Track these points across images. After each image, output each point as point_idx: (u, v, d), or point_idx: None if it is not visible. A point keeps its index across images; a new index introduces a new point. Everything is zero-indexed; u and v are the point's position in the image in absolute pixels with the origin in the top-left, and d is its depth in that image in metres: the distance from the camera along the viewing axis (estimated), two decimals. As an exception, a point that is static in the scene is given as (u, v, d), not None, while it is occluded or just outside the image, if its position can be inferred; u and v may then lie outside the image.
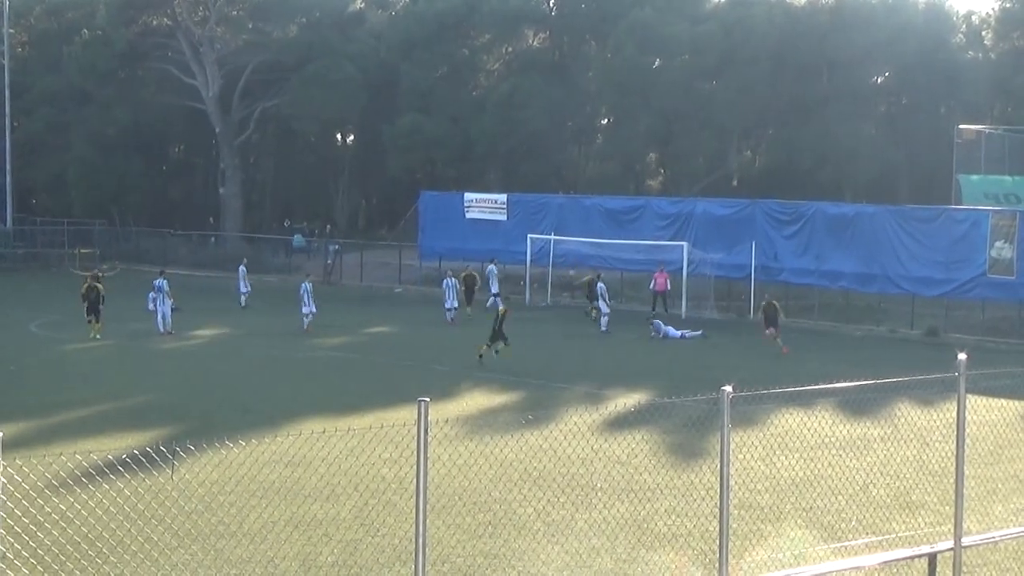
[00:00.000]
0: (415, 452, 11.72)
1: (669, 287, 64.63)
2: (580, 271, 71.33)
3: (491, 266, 69.31)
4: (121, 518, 21.55)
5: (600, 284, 60.05)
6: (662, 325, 55.93)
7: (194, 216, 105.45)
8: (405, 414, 15.08)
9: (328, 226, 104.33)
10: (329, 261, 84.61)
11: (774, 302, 52.32)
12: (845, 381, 16.96)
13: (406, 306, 66.38)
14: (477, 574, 20.69)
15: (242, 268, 67.62)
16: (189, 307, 61.77)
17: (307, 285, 56.58)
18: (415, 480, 11.68)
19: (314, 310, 55.64)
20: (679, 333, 55.84)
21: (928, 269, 61.23)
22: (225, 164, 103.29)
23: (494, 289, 67.86)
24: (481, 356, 46.17)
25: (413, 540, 11.73)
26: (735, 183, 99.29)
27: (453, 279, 61.18)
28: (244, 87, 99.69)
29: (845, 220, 64.86)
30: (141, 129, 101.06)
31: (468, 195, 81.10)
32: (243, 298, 66.39)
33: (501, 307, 48.70)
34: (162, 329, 54.89)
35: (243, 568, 20.60)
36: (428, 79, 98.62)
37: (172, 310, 56.49)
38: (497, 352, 46.29)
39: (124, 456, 16.91)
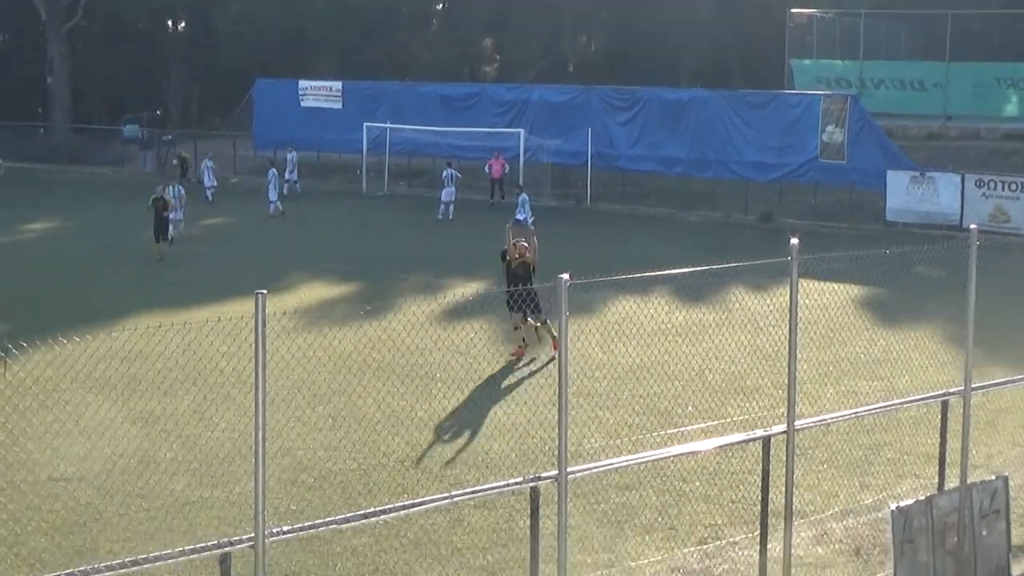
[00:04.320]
0: (253, 345, 11.62)
1: (507, 171, 64.65)
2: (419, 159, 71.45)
3: (291, 154, 68.59)
4: (-47, 418, 21.23)
5: (450, 171, 59.86)
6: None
7: (21, 106, 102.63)
8: (242, 307, 14.99)
9: (157, 112, 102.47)
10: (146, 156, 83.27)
11: (527, 255, 30.21)
12: (680, 267, 17.10)
13: (242, 197, 65.70)
14: (318, 466, 20.71)
15: (208, 162, 66.68)
16: (21, 200, 60.72)
17: (178, 189, 50.66)
18: (253, 373, 11.60)
19: (181, 217, 49.80)
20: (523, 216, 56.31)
21: (761, 154, 61.88)
22: (52, 52, 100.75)
23: (293, 176, 67.53)
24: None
25: (252, 434, 11.65)
26: (571, 69, 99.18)
27: (275, 170, 60.81)
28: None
29: (680, 106, 65.20)
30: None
31: (303, 83, 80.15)
32: (209, 192, 65.19)
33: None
34: None
35: (81, 465, 20.41)
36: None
37: None
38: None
39: (-47, 355, 16.61)
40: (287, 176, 67.10)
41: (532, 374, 27.53)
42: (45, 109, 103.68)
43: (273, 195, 59.13)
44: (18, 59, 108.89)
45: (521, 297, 27.73)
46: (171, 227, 48.28)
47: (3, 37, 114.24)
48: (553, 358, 27.81)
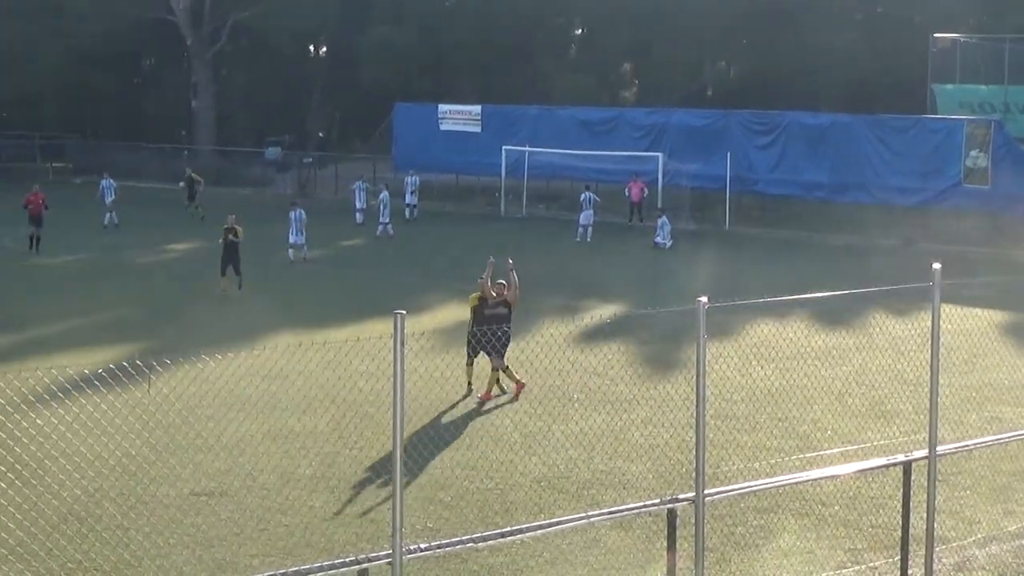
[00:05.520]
0: (392, 365, 11.70)
1: (646, 194, 64.48)
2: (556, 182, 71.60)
3: (411, 177, 68.78)
4: (98, 432, 21.56)
5: (588, 194, 60.11)
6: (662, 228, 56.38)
7: (166, 129, 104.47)
8: (381, 327, 15.09)
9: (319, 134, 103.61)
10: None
11: (505, 293, 28.25)
12: (820, 291, 16.96)
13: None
14: (455, 485, 20.76)
15: (361, 184, 66.54)
16: (164, 221, 61.71)
17: (299, 213, 50.01)
18: (392, 393, 11.68)
19: (302, 241, 49.89)
20: (661, 240, 56.27)
21: (903, 179, 61.21)
22: (197, 77, 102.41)
23: (413, 200, 67.75)
24: None
25: (391, 452, 11.73)
26: (710, 93, 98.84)
27: (388, 193, 61.32)
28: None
29: (820, 130, 64.74)
30: (112, 41, 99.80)
31: (442, 107, 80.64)
32: (359, 215, 65.03)
33: None
34: (106, 222, 61.28)
35: (222, 480, 20.65)
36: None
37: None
38: None
39: (100, 371, 16.87)
40: (407, 200, 67.36)
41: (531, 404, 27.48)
42: (189, 132, 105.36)
43: (385, 216, 59.72)
44: (164, 83, 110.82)
45: (496, 338, 25.97)
46: (293, 250, 49.33)
47: (149, 62, 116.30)
48: (515, 398, 26.98)
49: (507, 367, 27.17)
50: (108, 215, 61.72)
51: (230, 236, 41.99)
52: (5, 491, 18.13)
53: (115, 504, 19.19)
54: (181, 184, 68.56)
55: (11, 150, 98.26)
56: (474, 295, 28.13)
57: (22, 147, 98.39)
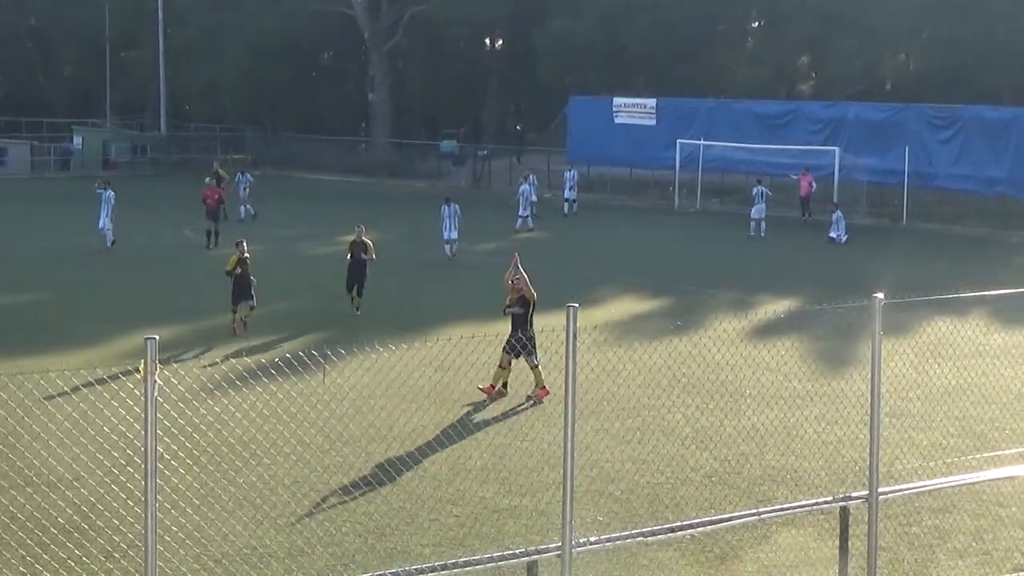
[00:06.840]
0: (564, 358, 11.72)
1: (815, 188, 63.73)
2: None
3: (569, 172, 68.72)
4: (274, 421, 21.91)
5: (760, 188, 59.58)
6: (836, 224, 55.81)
7: (344, 122, 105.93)
8: (554, 320, 15.06)
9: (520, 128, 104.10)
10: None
11: (522, 288, 27.24)
12: (999, 288, 16.66)
13: (554, 212, 66.25)
14: (625, 479, 20.74)
15: (531, 176, 64.38)
16: (338, 212, 62.38)
17: (454, 208, 49.14)
18: (564, 385, 11.70)
19: (455, 236, 49.07)
20: (836, 234, 55.69)
21: (1087, 175, 59.95)
22: (374, 70, 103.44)
23: (572, 195, 67.44)
24: None
25: (562, 445, 11.75)
26: (888, 87, 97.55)
27: (527, 185, 61.12)
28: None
29: (1002, 124, 63.58)
30: (292, 35, 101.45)
31: (617, 100, 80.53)
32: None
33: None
34: (243, 215, 61.56)
35: (393, 470, 20.85)
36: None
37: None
38: None
39: (276, 360, 17.15)
40: (565, 194, 67.33)
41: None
42: (367, 125, 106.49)
43: (524, 210, 59.68)
44: (341, 76, 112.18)
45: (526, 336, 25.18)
46: (448, 246, 48.69)
47: (327, 55, 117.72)
48: (530, 397, 26.21)
49: (536, 364, 26.27)
50: (242, 208, 62.25)
51: (359, 253, 37.51)
52: (183, 477, 18.50)
53: (289, 492, 19.46)
54: (207, 180, 67.49)
55: (195, 142, 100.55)
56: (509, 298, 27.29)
57: (205, 139, 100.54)
